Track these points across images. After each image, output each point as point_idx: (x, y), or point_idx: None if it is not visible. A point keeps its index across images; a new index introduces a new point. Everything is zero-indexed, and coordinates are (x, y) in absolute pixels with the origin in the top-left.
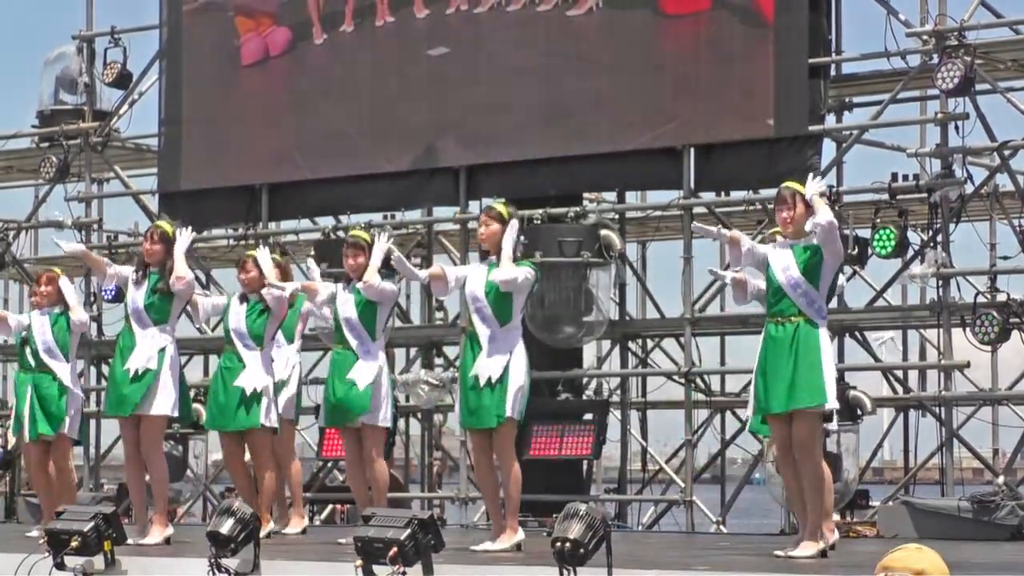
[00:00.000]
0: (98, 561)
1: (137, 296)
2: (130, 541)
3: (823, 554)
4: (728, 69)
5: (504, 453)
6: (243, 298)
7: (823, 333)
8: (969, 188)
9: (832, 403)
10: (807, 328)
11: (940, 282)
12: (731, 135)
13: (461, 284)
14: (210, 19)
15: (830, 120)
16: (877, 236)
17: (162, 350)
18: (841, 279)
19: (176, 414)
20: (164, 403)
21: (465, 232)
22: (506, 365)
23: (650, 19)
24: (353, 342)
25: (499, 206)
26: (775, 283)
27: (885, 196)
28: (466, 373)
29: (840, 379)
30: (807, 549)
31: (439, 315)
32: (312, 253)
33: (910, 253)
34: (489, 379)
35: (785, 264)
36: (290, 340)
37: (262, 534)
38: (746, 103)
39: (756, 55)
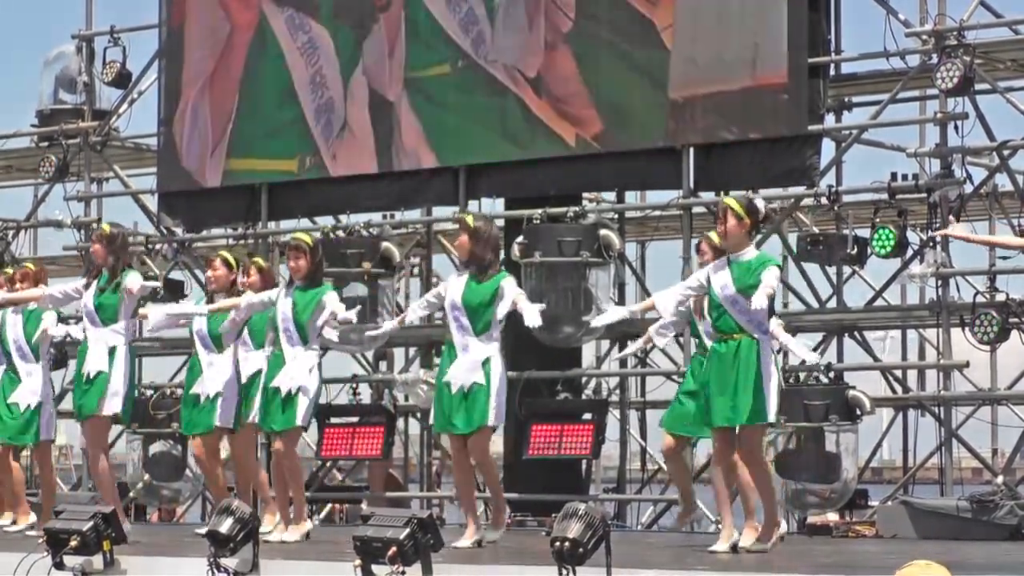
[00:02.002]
0: (97, 561)
1: (88, 298)
2: None
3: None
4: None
5: (484, 457)
6: (209, 300)
7: (764, 348)
8: (968, 188)
9: (772, 418)
10: (749, 345)
11: (939, 282)
12: (733, 135)
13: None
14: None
15: (829, 120)
16: (876, 236)
17: (112, 349)
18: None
19: (120, 411)
20: (112, 403)
21: None
22: (483, 373)
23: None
24: (283, 342)
25: (469, 218)
26: (715, 301)
27: (884, 196)
28: (442, 379)
29: (839, 379)
30: (765, 542)
31: (439, 315)
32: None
33: (909, 253)
34: (461, 387)
35: (723, 282)
36: (259, 346)
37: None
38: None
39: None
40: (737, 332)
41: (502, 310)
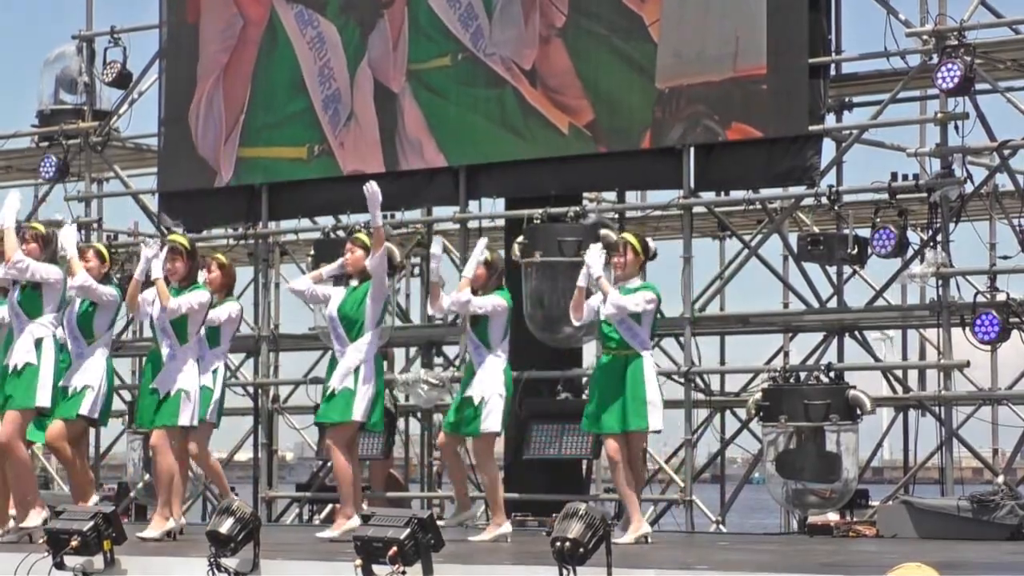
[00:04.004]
0: (98, 561)
1: (13, 292)
2: None
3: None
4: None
5: (352, 451)
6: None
7: (647, 363)
8: (969, 188)
9: (654, 426)
10: (634, 359)
11: (940, 281)
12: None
13: (314, 298)
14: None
15: (830, 120)
16: (877, 235)
17: (39, 341)
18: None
19: (48, 404)
20: (42, 396)
21: (465, 232)
22: (355, 376)
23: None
24: (160, 341)
25: (362, 235)
26: (604, 321)
27: (885, 196)
28: (326, 380)
29: (840, 378)
30: (629, 535)
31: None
32: (312, 253)
33: (910, 253)
34: (333, 390)
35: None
36: (215, 344)
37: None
38: (747, 103)
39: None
40: (624, 348)
41: (374, 304)
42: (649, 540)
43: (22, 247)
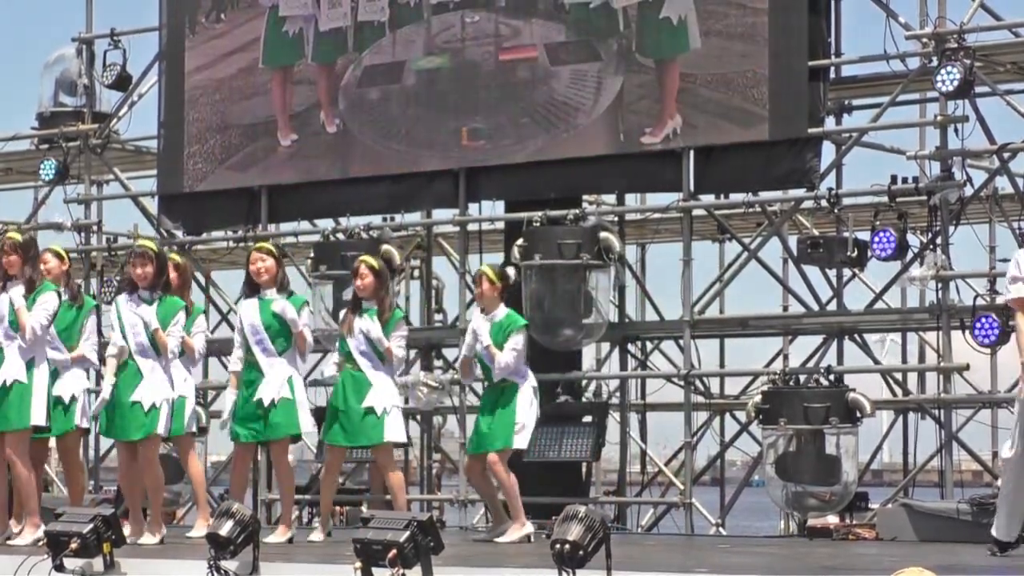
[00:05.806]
0: (97, 563)
1: (2, 307)
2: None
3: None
4: (728, 71)
5: (283, 464)
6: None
7: (523, 391)
8: (968, 191)
9: (518, 445)
10: (511, 390)
11: (939, 284)
12: (731, 138)
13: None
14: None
15: (829, 123)
16: (876, 238)
17: (31, 361)
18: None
19: (45, 423)
20: (36, 414)
21: (465, 235)
22: (288, 388)
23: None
24: (136, 353)
25: (268, 244)
26: (480, 355)
27: (884, 198)
28: (248, 394)
29: (839, 381)
30: (513, 534)
31: (438, 317)
32: (311, 255)
33: (909, 256)
34: (272, 400)
35: (485, 341)
36: (180, 354)
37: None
38: (745, 106)
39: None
40: (500, 381)
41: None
42: (531, 539)
43: (2, 259)
